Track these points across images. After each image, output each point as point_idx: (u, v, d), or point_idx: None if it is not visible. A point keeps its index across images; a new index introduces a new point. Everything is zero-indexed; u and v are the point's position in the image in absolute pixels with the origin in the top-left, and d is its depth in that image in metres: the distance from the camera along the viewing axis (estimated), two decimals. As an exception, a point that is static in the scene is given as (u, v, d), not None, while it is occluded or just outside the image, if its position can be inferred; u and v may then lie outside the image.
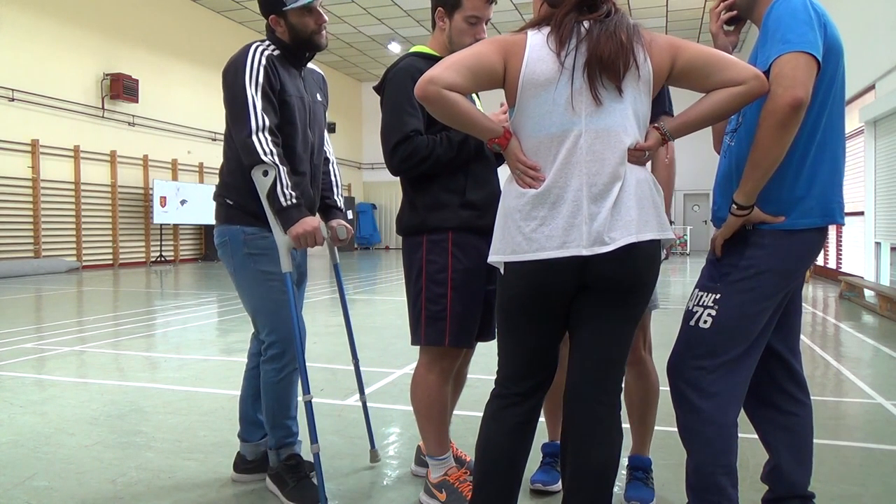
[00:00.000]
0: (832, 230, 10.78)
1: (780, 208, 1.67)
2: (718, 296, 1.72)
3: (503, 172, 1.83)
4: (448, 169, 2.08)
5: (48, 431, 2.97)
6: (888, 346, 5.05)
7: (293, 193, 2.08)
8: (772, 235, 1.68)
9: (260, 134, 2.06)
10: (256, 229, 2.18)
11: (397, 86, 2.07)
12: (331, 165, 2.52)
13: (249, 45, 2.18)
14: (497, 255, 1.62)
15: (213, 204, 2.31)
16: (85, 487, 2.35)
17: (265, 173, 2.06)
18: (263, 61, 2.13)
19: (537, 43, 1.55)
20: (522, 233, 1.55)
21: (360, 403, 2.61)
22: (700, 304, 1.76)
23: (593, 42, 1.51)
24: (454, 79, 1.51)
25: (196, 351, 4.89)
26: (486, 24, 2.12)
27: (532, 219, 1.54)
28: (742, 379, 1.74)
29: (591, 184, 1.51)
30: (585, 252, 1.50)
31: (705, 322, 1.73)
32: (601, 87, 1.51)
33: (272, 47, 2.20)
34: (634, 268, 1.54)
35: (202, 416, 3.22)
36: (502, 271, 1.62)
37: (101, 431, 2.97)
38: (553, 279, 1.55)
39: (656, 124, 1.62)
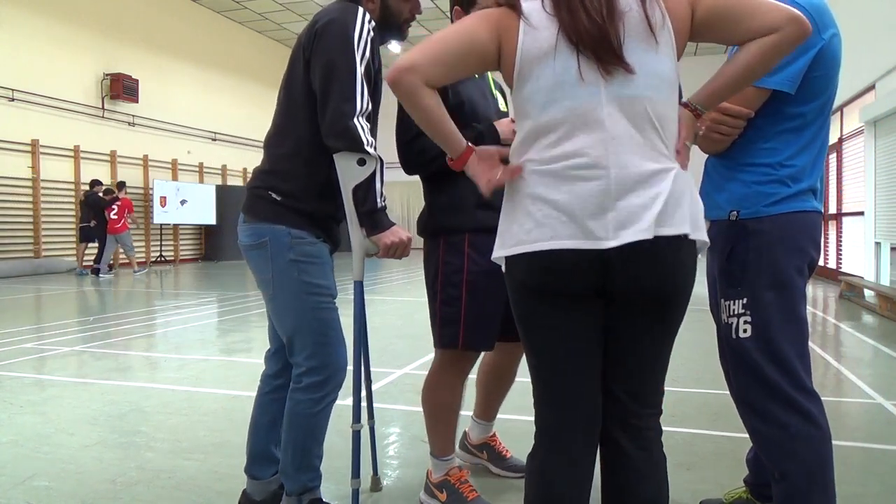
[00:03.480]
0: (833, 230, 10.80)
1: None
2: (745, 300, 1.60)
3: None
4: None
5: (48, 431, 2.97)
6: (888, 346, 5.04)
7: (386, 195, 1.84)
8: (770, 220, 1.61)
9: (361, 119, 1.74)
10: (304, 233, 1.84)
11: None
12: None
13: (356, 6, 1.80)
14: (501, 250, 1.36)
15: (249, 196, 1.92)
16: (85, 487, 2.34)
17: (361, 162, 1.76)
18: (372, 33, 1.78)
19: (534, 8, 1.30)
20: (534, 218, 1.29)
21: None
22: (733, 314, 1.63)
23: (568, 21, 1.27)
24: (438, 72, 1.29)
25: (196, 351, 4.88)
26: None
27: (544, 202, 1.28)
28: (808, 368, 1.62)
29: (621, 165, 1.25)
30: (613, 243, 1.23)
31: (745, 332, 1.60)
32: (608, 65, 1.27)
33: None
34: (667, 268, 1.28)
35: (202, 416, 3.22)
36: (503, 268, 1.38)
37: (101, 431, 2.97)
38: (569, 273, 1.28)
39: (683, 101, 1.37)
